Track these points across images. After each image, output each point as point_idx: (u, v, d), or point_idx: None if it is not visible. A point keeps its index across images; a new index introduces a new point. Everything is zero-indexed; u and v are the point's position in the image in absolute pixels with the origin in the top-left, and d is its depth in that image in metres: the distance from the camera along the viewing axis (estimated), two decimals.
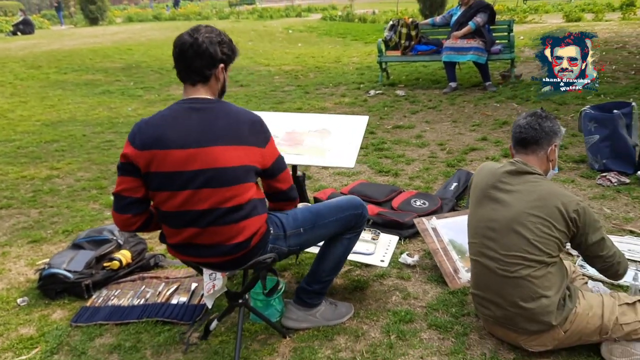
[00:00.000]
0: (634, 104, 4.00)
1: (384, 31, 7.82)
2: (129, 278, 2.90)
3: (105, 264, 2.89)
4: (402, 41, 7.49)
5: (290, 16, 22.86)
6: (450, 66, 7.07)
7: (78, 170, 4.88)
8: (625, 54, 8.65)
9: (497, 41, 7.13)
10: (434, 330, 2.35)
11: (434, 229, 2.97)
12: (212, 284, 2.11)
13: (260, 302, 2.45)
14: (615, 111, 3.91)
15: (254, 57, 11.74)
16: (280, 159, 2.12)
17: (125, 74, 10.15)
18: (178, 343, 2.36)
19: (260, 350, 2.28)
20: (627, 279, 2.50)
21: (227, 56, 2.02)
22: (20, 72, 10.74)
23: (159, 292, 2.73)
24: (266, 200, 2.18)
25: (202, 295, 2.63)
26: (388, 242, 2.84)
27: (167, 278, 2.89)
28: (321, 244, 2.36)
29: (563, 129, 2.23)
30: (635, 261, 2.76)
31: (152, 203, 2.06)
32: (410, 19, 7.59)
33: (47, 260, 3.02)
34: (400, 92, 7.24)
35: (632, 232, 3.10)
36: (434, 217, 3.07)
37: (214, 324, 2.35)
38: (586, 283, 2.49)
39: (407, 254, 2.94)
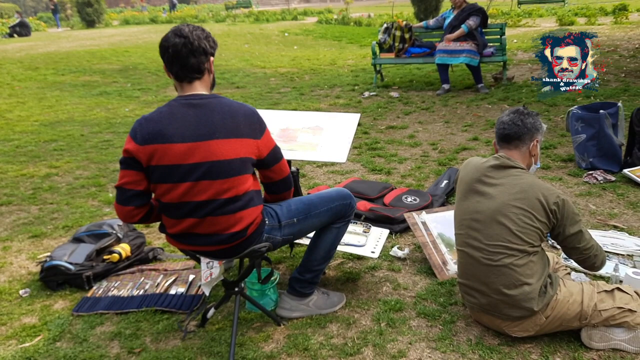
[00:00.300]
0: (620, 104, 4.11)
1: (378, 34, 7.93)
2: (128, 270, 2.98)
3: (105, 257, 2.98)
4: (396, 44, 7.60)
5: (287, 19, 22.96)
6: (443, 68, 7.18)
7: (77, 168, 4.95)
8: (616, 57, 8.79)
9: (490, 44, 7.25)
10: (422, 318, 2.45)
11: (424, 223, 3.07)
12: (209, 272, 2.20)
13: (256, 291, 2.54)
14: (601, 111, 4.01)
15: (250, 59, 11.83)
16: (276, 149, 2.21)
17: (122, 76, 10.21)
18: (176, 330, 2.45)
19: (255, 337, 2.36)
20: (608, 270, 2.61)
21: (213, 48, 2.13)
22: (18, 73, 10.78)
23: (158, 284, 2.82)
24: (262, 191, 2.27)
25: (200, 285, 2.72)
26: (379, 234, 2.95)
27: (166, 270, 2.98)
28: (312, 234, 2.46)
29: (545, 126, 2.33)
30: (617, 254, 2.87)
31: (153, 195, 2.15)
32: (404, 22, 7.70)
33: (48, 253, 3.11)
34: (394, 94, 7.35)
35: (615, 227, 3.21)
36: (423, 212, 3.17)
37: (211, 312, 2.44)
38: (569, 274, 2.60)
39: (398, 247, 3.03)
